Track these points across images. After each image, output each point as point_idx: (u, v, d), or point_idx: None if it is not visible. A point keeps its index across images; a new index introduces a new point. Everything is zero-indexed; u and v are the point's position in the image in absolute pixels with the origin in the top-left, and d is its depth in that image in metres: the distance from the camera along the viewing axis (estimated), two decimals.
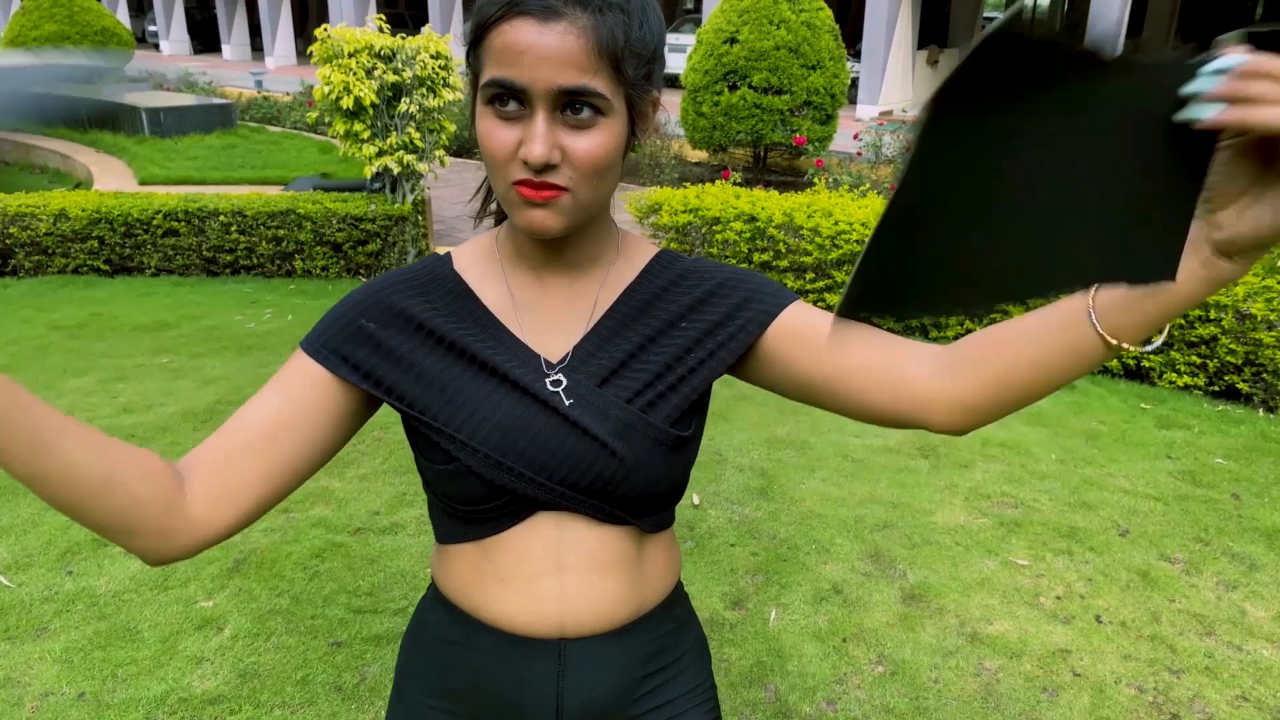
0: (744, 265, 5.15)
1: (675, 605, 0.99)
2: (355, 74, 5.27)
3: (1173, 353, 4.25)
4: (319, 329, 0.86)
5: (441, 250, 0.97)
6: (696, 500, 3.24)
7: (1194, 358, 4.17)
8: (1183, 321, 4.12)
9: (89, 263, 5.72)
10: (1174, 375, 4.24)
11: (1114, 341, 0.70)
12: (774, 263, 5.07)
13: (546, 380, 0.85)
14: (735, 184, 8.47)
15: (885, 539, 3.02)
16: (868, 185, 6.11)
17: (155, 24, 27.77)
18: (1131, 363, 4.34)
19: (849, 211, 4.97)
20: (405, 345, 0.84)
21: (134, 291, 5.49)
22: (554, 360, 0.86)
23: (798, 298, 0.90)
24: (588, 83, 0.74)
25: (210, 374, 4.30)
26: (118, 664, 2.39)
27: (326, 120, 5.55)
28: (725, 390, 4.17)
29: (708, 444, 3.66)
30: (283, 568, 2.81)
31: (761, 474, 3.44)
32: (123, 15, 27.42)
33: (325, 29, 5.26)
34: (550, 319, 0.88)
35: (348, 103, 5.25)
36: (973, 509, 3.24)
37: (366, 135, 5.42)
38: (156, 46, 28.06)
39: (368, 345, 0.84)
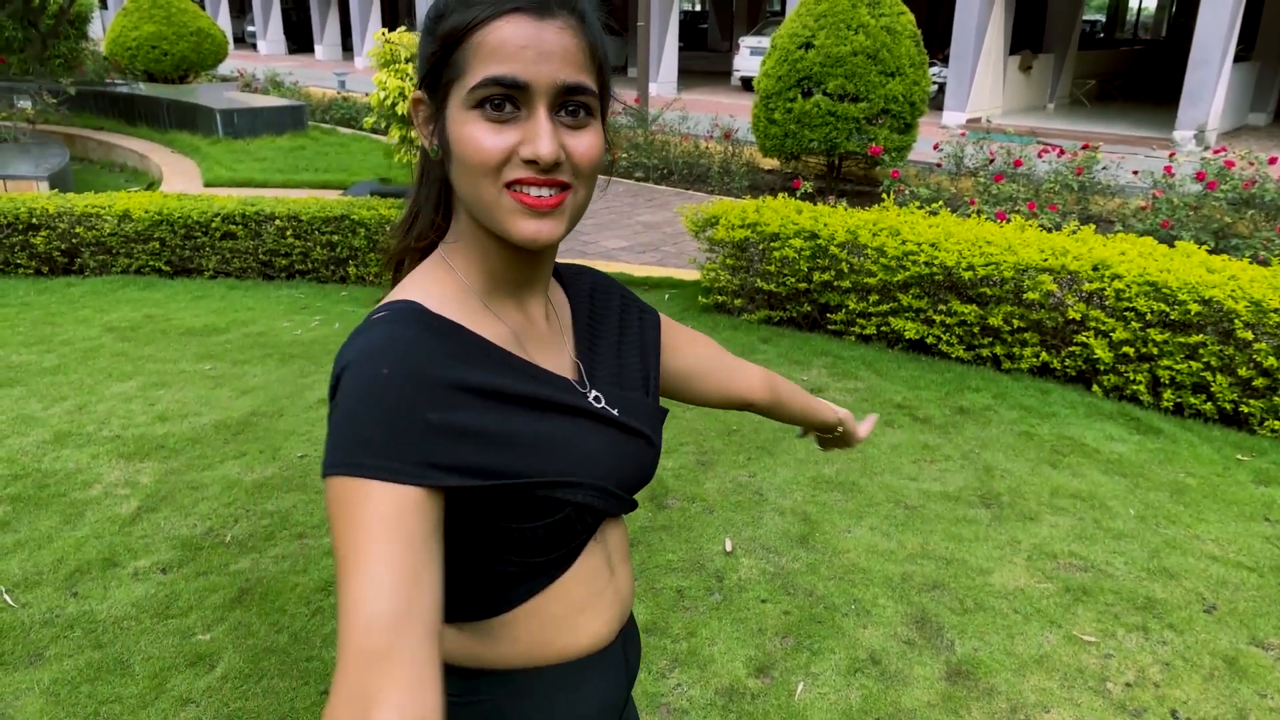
0: (803, 285, 4.90)
1: None
2: (412, 79, 5.18)
3: (1276, 397, 3.83)
4: (374, 448, 0.68)
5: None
6: (729, 546, 3.00)
7: None
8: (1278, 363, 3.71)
9: (151, 263, 5.78)
10: (1276, 423, 3.82)
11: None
12: (836, 283, 4.79)
13: (588, 399, 0.87)
14: (805, 194, 8.19)
15: (933, 601, 2.74)
16: (941, 203, 5.77)
17: (254, 25, 28.69)
18: (1229, 406, 3.93)
19: (918, 231, 4.66)
20: (483, 419, 0.75)
21: (190, 294, 5.52)
22: (571, 378, 0.87)
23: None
24: (584, 80, 0.74)
25: (249, 383, 4.25)
26: (102, 700, 2.29)
27: (383, 125, 5.48)
28: (772, 422, 3.91)
29: (747, 482, 3.42)
30: (286, 601, 2.69)
31: (804, 518, 3.19)
32: (224, 16, 28.41)
33: (383, 33, 5.19)
34: (542, 341, 0.86)
35: (404, 108, 5.16)
36: (1035, 570, 2.92)
37: None
38: (254, 46, 28.98)
39: (457, 440, 0.72)
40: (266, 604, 2.68)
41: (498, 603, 0.83)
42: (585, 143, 0.75)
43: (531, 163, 0.73)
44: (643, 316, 1.03)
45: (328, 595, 2.72)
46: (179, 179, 8.40)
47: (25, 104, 9.22)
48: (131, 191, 6.31)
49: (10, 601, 2.67)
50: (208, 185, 8.21)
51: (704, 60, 25.68)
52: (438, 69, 0.76)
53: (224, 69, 18.10)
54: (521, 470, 0.76)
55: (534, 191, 0.74)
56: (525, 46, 0.71)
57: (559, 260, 0.97)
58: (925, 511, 3.26)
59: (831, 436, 1.35)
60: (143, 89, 12.03)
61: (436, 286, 0.81)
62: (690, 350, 1.10)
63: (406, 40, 5.18)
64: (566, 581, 0.86)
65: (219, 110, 10.24)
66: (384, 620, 0.62)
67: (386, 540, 0.65)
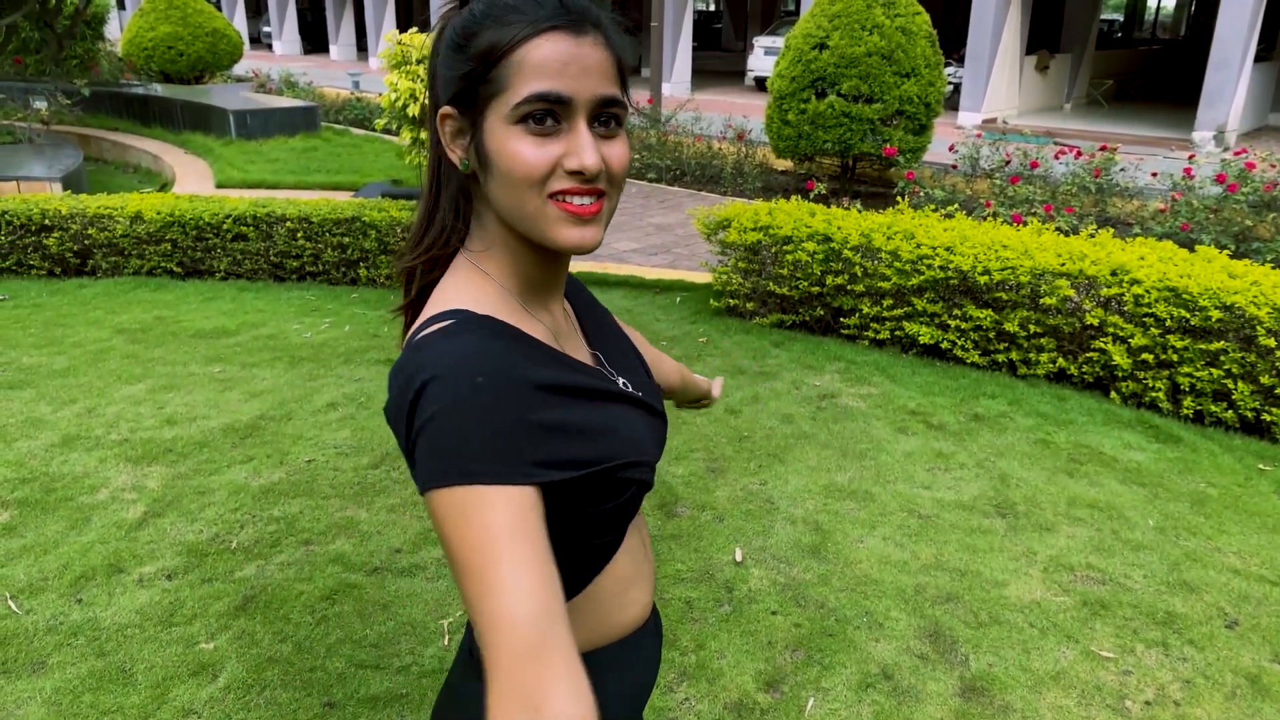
0: (816, 289, 4.85)
1: None
2: (423, 80, 5.16)
3: None
4: (484, 454, 0.71)
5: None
6: (739, 556, 2.96)
7: None
8: None
9: (162, 265, 5.78)
10: None
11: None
12: (849, 286, 4.74)
13: (619, 385, 0.93)
14: (819, 195, 8.13)
15: (947, 614, 2.69)
16: (956, 206, 5.70)
17: (270, 25, 28.80)
18: (1250, 414, 3.85)
19: (933, 234, 4.60)
20: (564, 414, 0.79)
21: (201, 295, 5.51)
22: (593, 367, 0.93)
23: None
24: (616, 92, 0.78)
25: (258, 386, 4.23)
26: (104, 710, 2.27)
27: (395, 127, 5.46)
28: (784, 428, 3.87)
29: (758, 490, 3.38)
30: (290, 609, 2.66)
31: (815, 528, 3.14)
32: (240, 17, 28.54)
33: (394, 34, 5.17)
34: (569, 337, 0.92)
35: (415, 110, 5.14)
36: (1052, 583, 2.87)
37: None
38: (270, 47, 29.10)
39: (551, 437, 0.77)
40: (271, 612, 2.65)
41: (567, 590, 0.84)
42: (618, 151, 0.80)
43: (576, 173, 0.77)
44: (605, 310, 1.11)
45: (332, 604, 2.69)
46: (191, 180, 8.41)
47: (41, 105, 9.25)
48: (145, 193, 6.32)
49: (15, 608, 2.66)
50: (219, 186, 8.22)
51: (718, 60, 25.60)
52: (473, 86, 0.79)
53: (239, 69, 18.18)
54: (602, 457, 0.80)
55: (577, 200, 0.79)
56: (567, 63, 0.75)
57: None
58: (939, 521, 3.20)
59: (699, 404, 1.45)
60: (158, 90, 12.06)
61: (480, 293, 0.83)
62: (633, 340, 1.16)
63: (418, 41, 5.16)
64: (619, 559, 0.92)
65: (232, 111, 10.26)
66: (530, 618, 0.66)
67: (515, 542, 0.68)
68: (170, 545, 2.98)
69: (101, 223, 5.67)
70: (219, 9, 28.94)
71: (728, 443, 3.74)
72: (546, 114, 0.76)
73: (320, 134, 10.90)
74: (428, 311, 0.82)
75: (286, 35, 28.00)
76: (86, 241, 5.72)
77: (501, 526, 0.68)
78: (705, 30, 30.61)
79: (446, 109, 0.82)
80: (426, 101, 0.98)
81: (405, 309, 0.93)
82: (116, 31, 24.67)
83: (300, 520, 3.14)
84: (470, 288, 0.84)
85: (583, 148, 0.77)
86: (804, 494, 3.36)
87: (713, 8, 32.58)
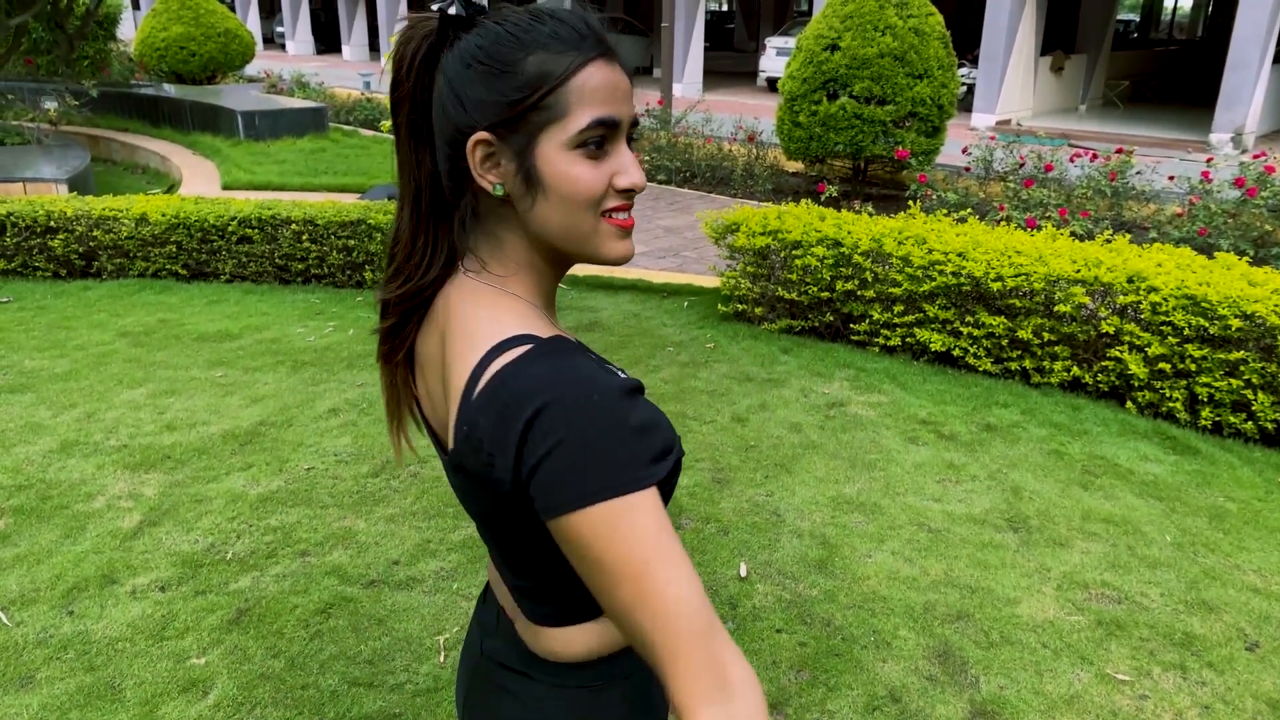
0: (825, 295, 4.77)
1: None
2: None
3: None
4: (621, 465, 0.75)
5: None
6: (744, 571, 2.89)
7: None
8: None
9: (168, 267, 5.75)
10: None
11: None
12: (860, 292, 4.66)
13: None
14: (830, 198, 8.04)
15: (958, 634, 2.61)
16: (969, 210, 5.61)
17: (283, 25, 28.87)
18: (1271, 425, 3.76)
19: (945, 239, 4.52)
20: (645, 412, 0.82)
21: (206, 298, 5.48)
22: None
23: None
24: (638, 113, 0.88)
25: (260, 391, 4.18)
26: None
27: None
28: (792, 437, 3.80)
29: (764, 502, 3.31)
30: (284, 623, 2.61)
31: (823, 542, 3.07)
32: (254, 17, 28.62)
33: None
34: None
35: None
36: (1066, 601, 2.79)
37: None
38: (283, 47, 29.17)
39: (646, 436, 0.79)
40: (264, 626, 2.60)
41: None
42: (639, 166, 0.85)
43: (627, 191, 0.83)
44: None
45: (327, 618, 2.64)
46: (198, 181, 8.38)
47: (51, 105, 9.24)
48: (152, 194, 6.30)
49: (5, 620, 2.61)
50: (226, 188, 8.18)
51: (730, 61, 25.51)
52: (523, 113, 0.81)
53: (251, 70, 18.20)
54: (671, 443, 0.83)
55: (623, 216, 0.85)
56: (617, 87, 0.82)
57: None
58: (949, 535, 3.12)
59: None
60: (169, 90, 12.05)
61: (526, 317, 0.85)
62: None
63: None
64: None
65: (240, 112, 10.23)
66: (700, 601, 0.73)
67: (666, 535, 0.74)
68: (165, 555, 2.94)
69: (107, 224, 5.64)
70: (232, 9, 29.14)
71: (734, 452, 3.67)
72: (603, 138, 0.81)
73: (328, 135, 10.87)
74: (479, 342, 0.82)
75: (300, 35, 28.05)
76: (91, 243, 5.69)
77: (650, 527, 0.74)
78: (718, 31, 30.52)
79: (484, 135, 0.82)
80: (405, 121, 0.89)
81: (386, 332, 0.94)
82: (132, 32, 24.75)
83: (298, 530, 3.09)
84: (513, 313, 0.85)
85: (630, 167, 0.83)
86: (811, 506, 3.29)
87: (726, 8, 32.50)
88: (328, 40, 29.55)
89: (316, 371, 4.43)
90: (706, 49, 20.62)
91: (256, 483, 3.40)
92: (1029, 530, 3.17)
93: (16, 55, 9.75)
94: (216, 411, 3.97)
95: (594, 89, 0.80)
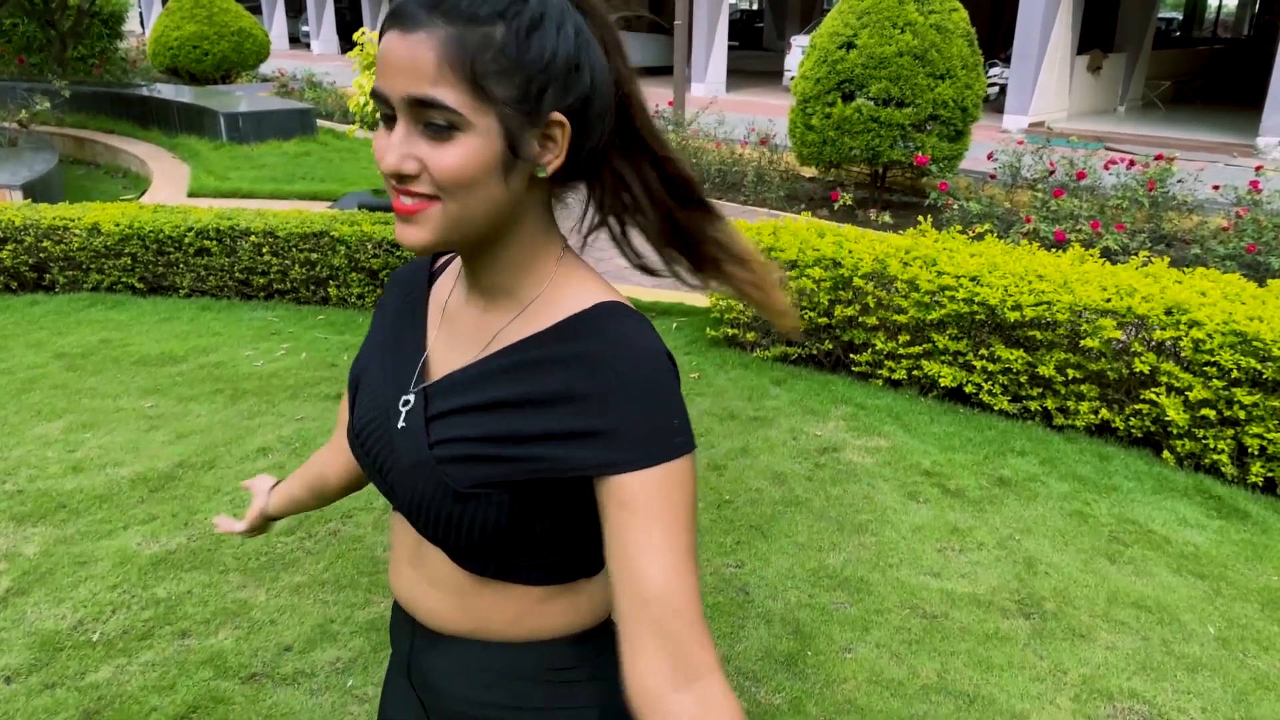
0: (824, 320, 4.28)
1: (549, 660, 0.93)
2: None
3: None
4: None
5: None
6: None
7: None
8: None
9: (123, 280, 5.38)
10: None
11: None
12: (860, 319, 4.17)
13: (400, 397, 0.90)
14: (845, 206, 7.53)
15: None
16: (988, 226, 5.08)
17: (308, 25, 28.74)
18: None
19: (957, 260, 4.01)
20: None
21: (158, 315, 5.10)
22: (434, 379, 0.90)
23: (669, 458, 0.79)
24: (434, 94, 0.74)
25: (190, 425, 3.78)
26: None
27: (363, 135, 4.99)
28: (774, 491, 3.32)
29: (732, 575, 2.83)
30: None
31: (795, 630, 2.59)
32: (280, 16, 28.53)
33: (363, 32, 4.70)
34: (458, 338, 0.90)
35: None
36: (1084, 716, 2.29)
37: None
38: (308, 46, 29.05)
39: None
40: None
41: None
42: (444, 156, 0.75)
43: (394, 173, 0.78)
44: (569, 454, 1.05)
45: None
46: (168, 187, 7.99)
47: (24, 107, 8.88)
48: (125, 200, 5.94)
49: None
50: (191, 195, 7.78)
51: (759, 60, 24.94)
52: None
53: (267, 69, 17.98)
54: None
55: (398, 199, 0.79)
56: (385, 60, 0.75)
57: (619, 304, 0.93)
58: (947, 623, 2.63)
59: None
60: (159, 90, 11.74)
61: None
62: None
63: None
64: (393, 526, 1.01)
65: (223, 114, 9.86)
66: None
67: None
68: (23, 635, 2.52)
69: (57, 234, 5.28)
70: (259, 10, 29.08)
71: (704, 509, 3.20)
72: (390, 114, 0.80)
73: (316, 138, 10.46)
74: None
75: (324, 35, 27.89)
76: (42, 254, 5.34)
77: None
78: (747, 29, 29.95)
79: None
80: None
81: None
82: (140, 28, 24.71)
83: (184, 604, 2.67)
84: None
85: (385, 146, 0.80)
86: (786, 581, 2.81)
87: (756, 6, 31.95)
88: (352, 39, 29.38)
89: (256, 402, 4.01)
90: (735, 48, 20.12)
91: (155, 539, 2.98)
92: (1043, 616, 2.67)
93: (9, 53, 9.48)
94: (134, 449, 3.57)
95: (378, 61, 0.76)
